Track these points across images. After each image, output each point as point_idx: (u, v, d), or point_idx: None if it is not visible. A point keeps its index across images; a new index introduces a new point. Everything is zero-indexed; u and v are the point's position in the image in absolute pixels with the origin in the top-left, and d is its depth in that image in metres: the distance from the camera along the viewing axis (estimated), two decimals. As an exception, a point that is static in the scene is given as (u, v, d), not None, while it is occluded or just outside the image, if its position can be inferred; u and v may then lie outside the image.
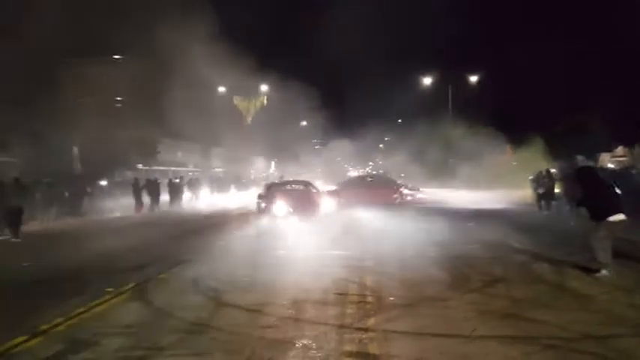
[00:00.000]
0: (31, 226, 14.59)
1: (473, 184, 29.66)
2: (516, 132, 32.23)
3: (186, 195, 26.12)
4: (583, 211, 7.04)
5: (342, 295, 5.84)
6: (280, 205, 14.20)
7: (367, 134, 54.01)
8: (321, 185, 26.74)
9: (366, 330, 4.56)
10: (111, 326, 4.84)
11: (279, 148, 53.52)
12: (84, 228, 14.77)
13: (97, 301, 5.70)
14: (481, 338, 4.29)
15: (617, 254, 6.78)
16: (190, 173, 39.31)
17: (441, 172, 34.82)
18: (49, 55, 23.71)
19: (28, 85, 22.12)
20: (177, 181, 25.04)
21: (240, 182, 37.18)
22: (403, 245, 9.39)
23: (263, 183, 20.57)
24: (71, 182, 20.74)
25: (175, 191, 23.89)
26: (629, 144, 36.03)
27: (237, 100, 43.12)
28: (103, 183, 24.36)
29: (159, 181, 23.32)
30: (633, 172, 16.99)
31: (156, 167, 35.63)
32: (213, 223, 15.00)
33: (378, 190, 21.07)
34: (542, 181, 16.36)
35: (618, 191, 6.89)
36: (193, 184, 28.18)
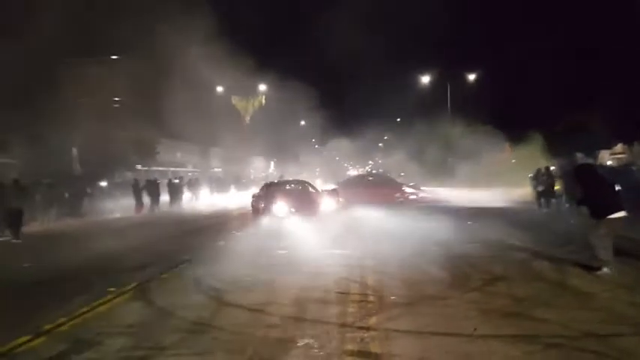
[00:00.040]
0: (32, 227, 14.61)
1: (472, 182, 29.66)
2: (515, 130, 32.24)
3: (186, 195, 26.15)
4: (583, 208, 7.04)
5: (343, 294, 5.85)
6: (279, 205, 14.10)
7: (366, 133, 54.13)
8: (321, 185, 26.75)
9: (367, 329, 4.57)
10: (113, 326, 4.86)
11: (279, 148, 53.54)
12: (84, 229, 14.79)
13: (100, 301, 5.72)
14: (482, 337, 4.30)
15: (619, 252, 6.79)
16: (190, 173, 39.32)
17: (440, 170, 34.83)
18: (49, 56, 23.69)
19: (28, 85, 22.11)
20: (177, 181, 25.06)
21: (240, 182, 37.18)
22: (404, 244, 9.40)
23: (263, 183, 20.52)
24: (71, 183, 20.74)
25: (175, 192, 23.92)
26: (628, 141, 36.04)
27: (235, 100, 43.11)
28: (103, 184, 24.36)
29: (159, 181, 23.34)
30: (634, 168, 16.97)
31: (155, 168, 35.63)
32: (214, 223, 15.03)
33: (379, 189, 20.99)
34: (542, 179, 16.38)
35: (618, 188, 6.89)
36: (193, 185, 28.20)
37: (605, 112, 29.60)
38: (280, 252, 9.05)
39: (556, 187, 15.90)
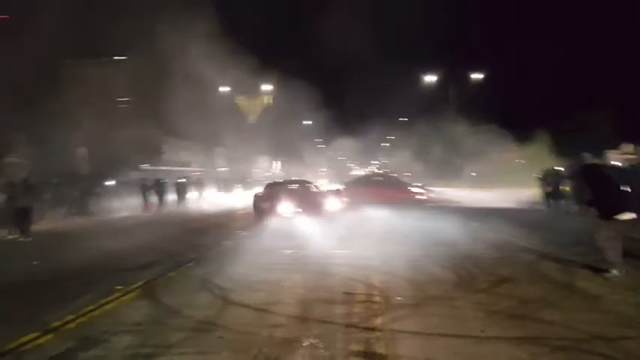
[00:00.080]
0: (40, 225, 14.72)
1: (478, 182, 29.52)
2: (522, 129, 32.03)
3: (192, 194, 26.26)
4: (592, 209, 6.97)
5: (349, 295, 5.85)
6: (285, 205, 14.11)
7: (371, 133, 54.11)
8: (326, 184, 26.71)
9: (373, 329, 4.56)
10: (120, 324, 4.88)
11: (283, 148, 53.63)
12: (92, 227, 14.90)
13: (107, 299, 5.75)
14: (489, 339, 4.28)
15: (628, 254, 6.73)
16: (197, 173, 39.47)
17: (446, 170, 34.71)
18: (54, 56, 23.90)
19: (34, 85, 22.30)
20: (184, 180, 25.19)
21: (246, 182, 37.29)
22: (410, 245, 9.38)
23: (267, 182, 20.54)
24: (79, 182, 20.91)
25: (182, 191, 24.04)
26: (636, 141, 35.72)
27: (239, 100, 43.23)
28: (111, 183, 24.54)
29: (165, 180, 23.47)
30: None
31: (161, 167, 35.80)
32: (220, 223, 15.07)
33: (387, 189, 20.86)
34: (550, 180, 16.26)
35: (627, 189, 6.81)
36: (199, 184, 28.32)
37: (614, 112, 29.37)
38: (286, 252, 9.05)
39: (565, 188, 15.76)
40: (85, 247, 10.18)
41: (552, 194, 16.13)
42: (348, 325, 4.69)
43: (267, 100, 43.48)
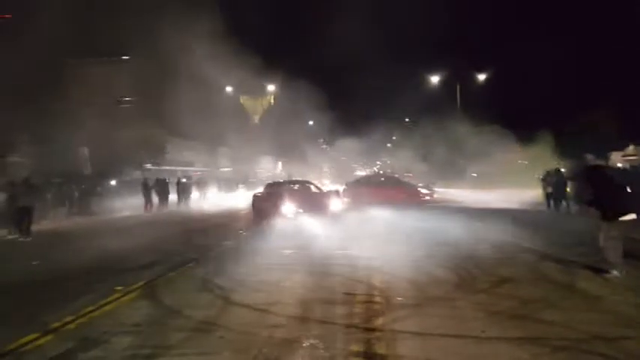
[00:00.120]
0: (42, 225, 14.77)
1: (481, 183, 29.48)
2: (524, 130, 31.98)
3: (195, 194, 26.29)
4: (592, 210, 6.96)
5: (349, 295, 5.84)
6: (287, 205, 14.06)
7: (374, 133, 54.01)
8: (329, 185, 26.68)
9: (373, 330, 4.55)
10: (120, 324, 4.88)
11: (286, 148, 53.66)
12: (93, 227, 14.92)
13: (107, 300, 5.76)
14: (490, 339, 4.27)
15: (628, 254, 6.71)
16: (198, 172, 39.54)
17: (449, 171, 34.67)
18: (57, 56, 23.95)
19: (37, 85, 22.36)
20: (186, 180, 25.23)
21: (249, 182, 37.34)
22: (412, 245, 9.38)
23: (267, 183, 20.52)
24: (81, 182, 20.96)
25: (184, 191, 24.07)
26: (637, 141, 35.58)
27: (243, 100, 43.28)
28: (113, 183, 24.58)
29: (168, 180, 23.50)
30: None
31: (164, 167, 35.87)
32: (221, 223, 15.08)
33: (390, 189, 20.81)
34: (551, 180, 16.23)
35: (628, 189, 6.79)
36: (201, 184, 28.35)
37: (617, 113, 29.27)
38: (287, 252, 9.05)
39: (567, 189, 15.72)
40: (85, 247, 10.20)
41: (553, 195, 16.08)
42: (348, 326, 4.68)
43: (271, 100, 43.55)
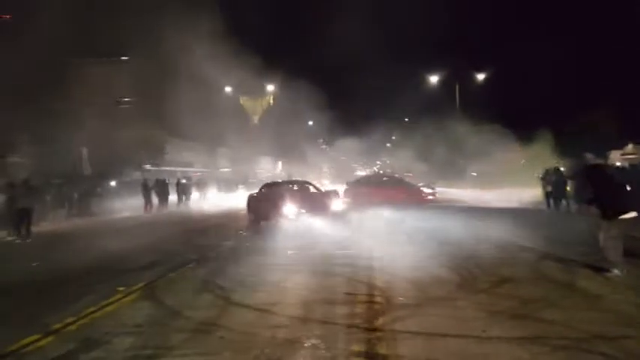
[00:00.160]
0: (41, 226, 14.76)
1: (481, 182, 29.48)
2: (524, 129, 31.96)
3: (195, 195, 26.29)
4: (591, 208, 6.96)
5: (350, 295, 5.84)
6: (287, 206, 13.98)
7: (374, 133, 54.06)
8: (329, 185, 26.67)
9: (374, 330, 4.56)
10: (121, 325, 4.89)
11: (286, 148, 53.65)
12: (93, 228, 14.92)
13: (108, 301, 5.76)
14: (490, 339, 4.28)
15: (628, 253, 6.71)
16: (198, 173, 39.53)
17: (449, 171, 34.67)
18: (57, 56, 23.91)
19: (36, 85, 22.34)
20: (186, 181, 25.22)
21: (249, 182, 37.34)
22: (413, 245, 9.38)
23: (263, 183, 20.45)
24: (80, 183, 20.94)
25: (184, 191, 24.08)
26: (636, 140, 35.58)
27: (243, 100, 43.27)
28: (112, 183, 24.57)
29: (168, 181, 23.50)
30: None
31: (163, 167, 35.86)
32: (222, 223, 15.08)
33: (392, 189, 20.76)
34: (551, 179, 16.24)
35: (628, 188, 6.80)
36: (201, 185, 28.35)
37: (617, 112, 29.27)
38: (287, 252, 9.05)
39: (566, 188, 15.73)
40: (85, 248, 10.21)
41: (553, 194, 16.09)
42: (349, 326, 4.69)
43: (270, 100, 43.54)
